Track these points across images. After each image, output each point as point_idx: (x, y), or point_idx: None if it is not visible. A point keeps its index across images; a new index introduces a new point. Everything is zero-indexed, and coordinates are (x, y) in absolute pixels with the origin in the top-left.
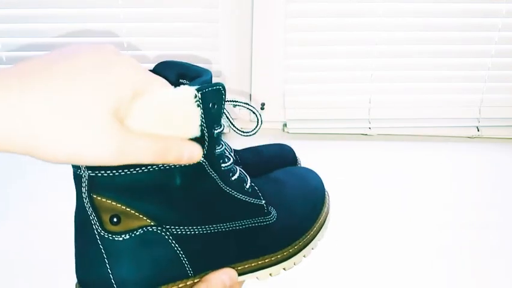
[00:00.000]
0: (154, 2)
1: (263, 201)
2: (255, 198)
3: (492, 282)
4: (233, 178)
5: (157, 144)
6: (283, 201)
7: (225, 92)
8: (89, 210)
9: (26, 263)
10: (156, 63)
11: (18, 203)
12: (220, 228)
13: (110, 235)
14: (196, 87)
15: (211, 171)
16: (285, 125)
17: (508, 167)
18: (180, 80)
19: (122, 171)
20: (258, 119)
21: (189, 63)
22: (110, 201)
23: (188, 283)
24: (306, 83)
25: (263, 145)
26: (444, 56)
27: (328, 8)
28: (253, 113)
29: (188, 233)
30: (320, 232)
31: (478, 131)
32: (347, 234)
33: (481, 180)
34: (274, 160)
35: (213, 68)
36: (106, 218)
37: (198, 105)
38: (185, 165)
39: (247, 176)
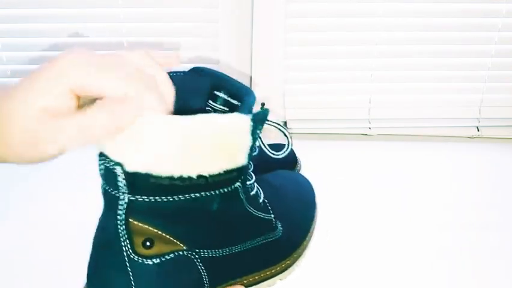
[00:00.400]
0: (154, 2)
1: (272, 216)
2: (266, 213)
3: (492, 282)
4: (251, 193)
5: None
6: (285, 212)
7: (267, 117)
8: (122, 233)
9: (26, 263)
10: (192, 67)
11: (19, 203)
12: (241, 249)
13: (140, 259)
14: (251, 116)
15: (243, 196)
16: (285, 124)
17: (508, 167)
18: (215, 92)
19: (166, 198)
20: (288, 140)
21: (227, 76)
22: (146, 226)
23: None
24: (306, 83)
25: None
26: (444, 56)
27: (328, 8)
28: (284, 134)
29: (215, 255)
30: (310, 242)
31: (478, 131)
32: (346, 234)
33: (481, 180)
34: (274, 160)
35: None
36: (138, 241)
37: (252, 136)
38: (225, 192)
39: (260, 189)
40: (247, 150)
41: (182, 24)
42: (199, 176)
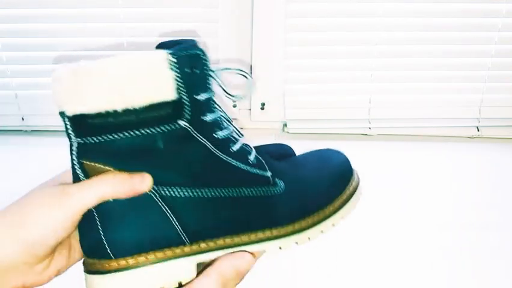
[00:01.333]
0: (153, 2)
1: (269, 173)
2: (259, 170)
3: (492, 282)
4: (234, 148)
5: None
6: (295, 176)
7: (206, 57)
8: (80, 176)
9: None
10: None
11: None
12: (212, 194)
13: None
14: (170, 51)
15: (200, 137)
16: (285, 125)
17: (508, 167)
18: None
19: (107, 137)
20: (249, 84)
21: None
22: (99, 165)
23: (186, 250)
24: (306, 83)
25: (263, 145)
26: (444, 56)
27: (328, 8)
28: (245, 77)
29: (176, 195)
30: (343, 209)
31: (478, 131)
32: (347, 234)
33: (481, 180)
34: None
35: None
36: None
37: (172, 69)
38: (167, 130)
39: (253, 150)
40: (172, 85)
41: (182, 24)
42: (125, 111)
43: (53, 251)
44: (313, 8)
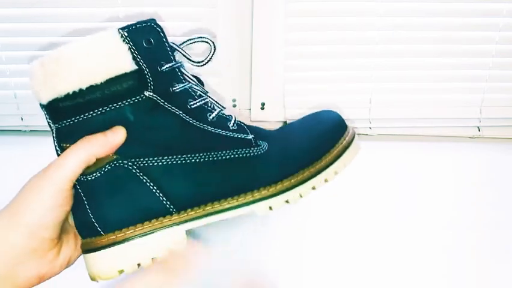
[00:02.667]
0: (153, 1)
1: (250, 136)
2: (240, 133)
3: (492, 282)
4: (211, 117)
5: None
6: (279, 136)
7: (160, 28)
8: None
9: None
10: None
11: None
12: (191, 160)
13: (84, 177)
14: (122, 27)
15: (170, 107)
16: (285, 124)
17: (509, 167)
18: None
19: (80, 117)
20: (211, 48)
21: None
22: None
23: (174, 219)
24: (306, 82)
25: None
26: (445, 55)
27: (328, 7)
28: (207, 42)
29: (154, 164)
30: (336, 163)
31: (479, 131)
32: (347, 234)
33: (482, 180)
34: None
35: (212, 68)
36: None
37: (125, 42)
38: (134, 102)
39: (233, 117)
40: (129, 57)
41: (181, 24)
42: (90, 89)
43: (59, 237)
44: (313, 8)
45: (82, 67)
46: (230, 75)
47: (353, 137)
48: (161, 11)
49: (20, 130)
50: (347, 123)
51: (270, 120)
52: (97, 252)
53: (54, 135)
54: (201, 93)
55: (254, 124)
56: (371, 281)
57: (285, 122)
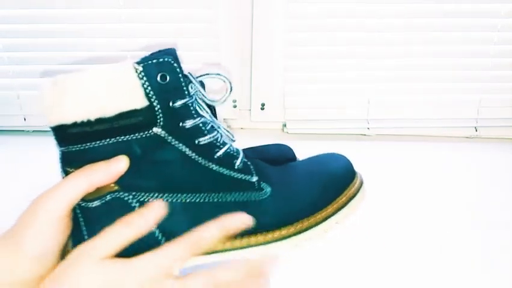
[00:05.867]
0: (154, 2)
1: (254, 178)
2: (245, 175)
3: (492, 282)
4: (218, 154)
5: None
6: (284, 179)
7: (177, 63)
8: None
9: None
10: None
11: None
12: (191, 199)
13: (85, 203)
14: (137, 60)
15: (177, 144)
16: (284, 125)
17: (506, 167)
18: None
19: (86, 145)
20: (228, 87)
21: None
22: None
23: None
24: (306, 83)
25: (263, 145)
26: (443, 56)
27: (328, 8)
28: (224, 81)
29: (153, 200)
30: (337, 215)
31: (476, 131)
32: (346, 235)
33: (479, 180)
34: (274, 160)
35: (212, 68)
36: None
37: (139, 77)
38: (141, 137)
39: (240, 153)
40: (141, 93)
41: (182, 24)
42: (99, 120)
43: (62, 259)
44: (313, 9)
45: (92, 98)
46: (230, 75)
47: (359, 189)
48: (161, 11)
49: (23, 130)
50: (355, 172)
51: (270, 120)
52: None
53: (59, 157)
54: (212, 128)
55: (254, 123)
56: (369, 281)
57: (285, 123)
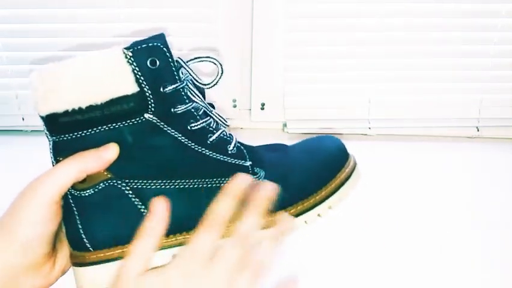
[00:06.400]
0: (154, 2)
1: (248, 163)
2: (238, 159)
3: (492, 282)
4: (211, 139)
5: None
6: (278, 163)
7: (167, 48)
8: None
9: None
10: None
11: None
12: (185, 185)
13: (78, 192)
14: (126, 46)
15: (169, 129)
16: (285, 125)
17: (508, 167)
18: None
19: (77, 134)
20: (219, 70)
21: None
22: None
23: (162, 242)
24: (306, 83)
25: (262, 145)
26: (444, 56)
27: (328, 8)
28: (215, 64)
29: (148, 187)
30: (333, 197)
31: (478, 131)
32: (346, 235)
33: (481, 180)
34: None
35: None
36: None
37: (129, 63)
38: (133, 123)
39: (233, 138)
40: (131, 78)
41: (182, 24)
42: (90, 108)
43: (54, 248)
44: (313, 9)
45: (82, 86)
46: (230, 75)
47: (353, 170)
48: (161, 11)
49: (21, 130)
50: (348, 153)
51: (270, 120)
52: (85, 267)
53: (50, 147)
54: (205, 112)
55: (254, 122)
56: (369, 281)
57: (285, 123)
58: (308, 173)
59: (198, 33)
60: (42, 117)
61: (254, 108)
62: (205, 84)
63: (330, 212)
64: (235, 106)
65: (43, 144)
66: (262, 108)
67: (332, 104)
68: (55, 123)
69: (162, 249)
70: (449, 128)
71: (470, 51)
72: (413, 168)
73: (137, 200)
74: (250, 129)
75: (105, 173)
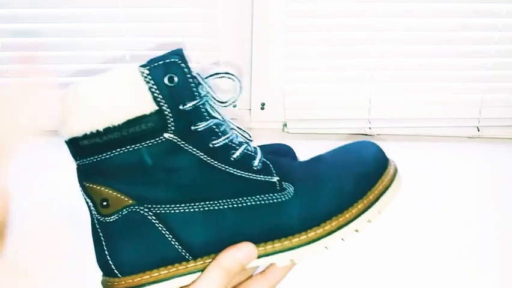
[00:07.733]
0: (154, 2)
1: (275, 178)
2: (264, 175)
3: (492, 282)
4: (235, 155)
5: None
6: (308, 176)
7: (185, 63)
8: (85, 198)
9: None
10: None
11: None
12: (210, 207)
13: (103, 218)
14: (142, 64)
15: (191, 149)
16: (285, 125)
17: (508, 167)
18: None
19: (98, 157)
20: (238, 86)
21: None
22: (96, 186)
23: (189, 266)
24: (306, 83)
25: (263, 145)
26: (445, 56)
27: (328, 8)
28: (234, 80)
29: (171, 211)
30: (367, 213)
31: (478, 131)
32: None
33: (481, 180)
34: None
35: (212, 68)
36: (98, 202)
37: (146, 81)
38: (152, 144)
39: (258, 153)
40: (149, 97)
41: (182, 24)
42: (107, 130)
43: None
44: (313, 8)
45: (99, 108)
46: (240, 74)
47: (393, 178)
48: (161, 11)
49: None
50: (388, 160)
51: (270, 120)
52: None
53: (77, 172)
54: (226, 129)
55: (254, 122)
56: (369, 281)
57: (285, 123)
58: (343, 185)
59: (197, 33)
60: (65, 141)
61: (254, 108)
62: (222, 102)
63: (369, 224)
64: (235, 106)
65: (42, 144)
66: (262, 108)
67: (332, 104)
68: (77, 146)
69: (190, 273)
70: (449, 128)
71: (470, 51)
72: (413, 168)
73: (162, 225)
74: (250, 129)
75: (128, 200)
